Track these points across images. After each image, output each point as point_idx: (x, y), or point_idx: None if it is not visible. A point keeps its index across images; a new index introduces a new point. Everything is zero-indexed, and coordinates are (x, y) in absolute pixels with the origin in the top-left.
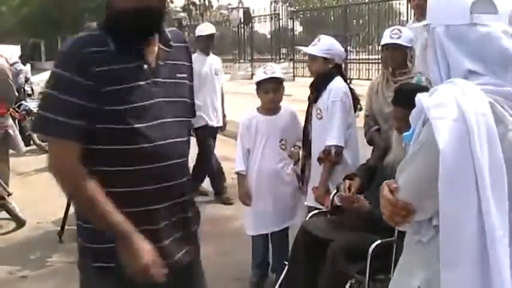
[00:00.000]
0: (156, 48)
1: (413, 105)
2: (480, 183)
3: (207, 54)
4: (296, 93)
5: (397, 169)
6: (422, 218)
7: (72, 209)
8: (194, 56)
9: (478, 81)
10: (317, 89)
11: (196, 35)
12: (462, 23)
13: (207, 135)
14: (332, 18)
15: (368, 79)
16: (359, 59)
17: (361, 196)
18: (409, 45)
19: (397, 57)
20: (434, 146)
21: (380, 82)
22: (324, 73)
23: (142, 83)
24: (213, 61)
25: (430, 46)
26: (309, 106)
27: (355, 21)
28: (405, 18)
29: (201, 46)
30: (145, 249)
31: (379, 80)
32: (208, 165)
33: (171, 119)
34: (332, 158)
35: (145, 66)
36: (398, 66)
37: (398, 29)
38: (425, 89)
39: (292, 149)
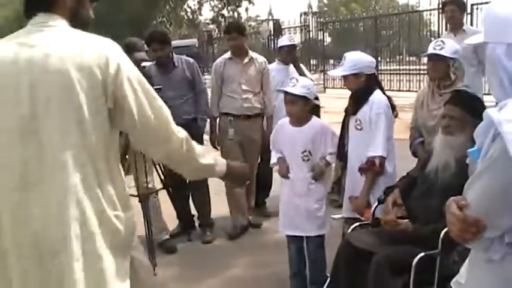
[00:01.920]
0: None
1: (468, 108)
2: None
3: (287, 64)
4: (327, 104)
5: (465, 185)
6: (494, 234)
7: None
8: (272, 65)
9: None
10: (357, 102)
11: (278, 45)
12: None
13: None
14: (361, 29)
15: (399, 90)
16: (390, 70)
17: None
18: (453, 56)
19: (439, 69)
20: (508, 161)
21: (426, 94)
22: (362, 87)
23: None
24: (292, 71)
25: (490, 64)
26: (345, 118)
27: (384, 32)
28: (435, 29)
29: (281, 56)
30: None
31: (425, 92)
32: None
33: None
34: (377, 168)
35: None
36: (442, 77)
37: (442, 41)
38: (481, 101)
39: (319, 161)
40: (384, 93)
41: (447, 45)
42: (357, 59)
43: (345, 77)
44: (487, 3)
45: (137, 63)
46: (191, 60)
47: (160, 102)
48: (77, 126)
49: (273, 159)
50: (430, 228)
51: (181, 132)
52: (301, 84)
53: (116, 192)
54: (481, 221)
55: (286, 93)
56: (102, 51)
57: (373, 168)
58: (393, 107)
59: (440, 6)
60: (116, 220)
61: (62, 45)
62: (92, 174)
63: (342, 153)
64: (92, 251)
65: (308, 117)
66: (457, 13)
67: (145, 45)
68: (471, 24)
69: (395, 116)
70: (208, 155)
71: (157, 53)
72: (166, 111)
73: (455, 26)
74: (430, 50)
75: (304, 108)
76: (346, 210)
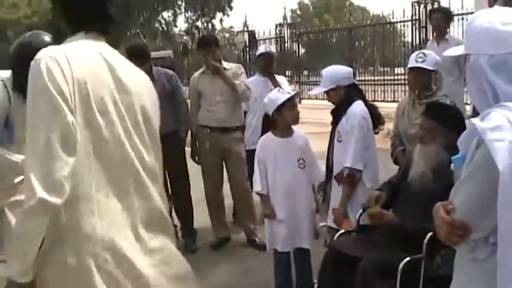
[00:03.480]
0: None
1: (442, 120)
2: None
3: (265, 75)
4: (303, 115)
5: (451, 190)
6: (479, 236)
7: None
8: (252, 78)
9: None
10: (337, 114)
11: (256, 55)
12: (506, 51)
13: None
14: (335, 40)
15: (374, 100)
16: (364, 81)
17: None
18: (434, 68)
19: (421, 80)
20: (492, 167)
21: (407, 104)
22: (343, 99)
23: None
24: (269, 82)
25: (472, 75)
26: (332, 129)
27: (357, 42)
28: (408, 40)
29: (258, 65)
30: None
31: (406, 101)
32: None
33: None
34: (345, 179)
35: None
36: (423, 88)
37: (423, 53)
38: (458, 111)
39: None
40: (366, 103)
41: (429, 58)
42: (332, 74)
43: (327, 93)
44: (466, 14)
45: None
46: (170, 72)
47: None
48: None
49: (257, 186)
50: (415, 225)
51: None
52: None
53: None
54: (467, 224)
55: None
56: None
57: (343, 179)
58: (378, 116)
59: (414, 17)
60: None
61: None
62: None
63: (328, 164)
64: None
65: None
66: (442, 22)
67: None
68: None
69: (382, 123)
70: None
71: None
72: None
73: (440, 35)
74: (412, 63)
75: None
76: (331, 221)
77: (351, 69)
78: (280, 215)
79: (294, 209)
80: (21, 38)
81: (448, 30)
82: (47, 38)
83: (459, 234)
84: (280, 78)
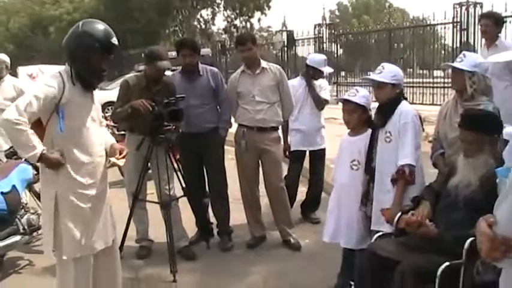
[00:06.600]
0: None
1: (479, 129)
2: None
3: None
4: (341, 116)
5: (495, 204)
6: None
7: (131, 226)
8: (294, 80)
9: None
10: (386, 114)
11: (310, 63)
12: None
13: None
14: (373, 42)
15: (412, 103)
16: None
17: (428, 221)
18: (470, 70)
19: (456, 81)
20: None
21: (450, 106)
22: (391, 99)
23: None
24: (317, 85)
25: None
26: (373, 132)
27: (396, 44)
28: (448, 42)
29: (304, 73)
30: None
31: (449, 104)
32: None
33: None
34: (407, 177)
35: None
36: (461, 90)
37: (464, 54)
38: (492, 115)
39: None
40: None
41: (467, 59)
42: (396, 70)
43: (379, 86)
44: (510, 16)
45: (159, 71)
46: (215, 69)
47: None
48: None
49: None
50: (453, 234)
51: None
52: (361, 94)
53: None
54: (510, 240)
55: (345, 101)
56: None
57: (403, 177)
58: (421, 121)
59: (455, 20)
60: None
61: None
62: None
63: (369, 167)
64: None
65: (364, 128)
66: (490, 27)
67: (168, 53)
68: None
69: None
70: None
71: (186, 59)
72: None
73: (489, 40)
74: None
75: (361, 118)
76: (375, 223)
77: None
78: (332, 207)
79: (340, 206)
80: (74, 28)
81: (498, 35)
82: (101, 25)
83: (501, 250)
84: (321, 82)
